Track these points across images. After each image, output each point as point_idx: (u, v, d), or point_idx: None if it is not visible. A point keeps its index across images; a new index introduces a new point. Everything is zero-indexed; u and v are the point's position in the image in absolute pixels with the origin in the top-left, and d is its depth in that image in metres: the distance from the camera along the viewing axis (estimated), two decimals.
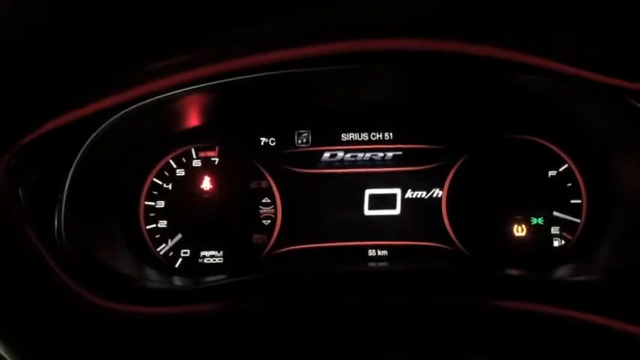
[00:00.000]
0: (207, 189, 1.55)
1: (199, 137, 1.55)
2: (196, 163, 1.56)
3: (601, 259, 1.42)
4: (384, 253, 1.54)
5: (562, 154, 1.52)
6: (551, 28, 1.17)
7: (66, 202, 1.23)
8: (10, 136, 1.16)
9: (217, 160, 1.56)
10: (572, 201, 1.52)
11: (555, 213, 1.52)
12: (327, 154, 1.56)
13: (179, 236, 1.54)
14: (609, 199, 1.45)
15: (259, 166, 1.55)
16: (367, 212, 1.55)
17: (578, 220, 1.52)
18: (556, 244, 1.52)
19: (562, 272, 1.44)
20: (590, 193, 1.51)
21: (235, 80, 1.21)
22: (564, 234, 1.52)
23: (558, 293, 1.28)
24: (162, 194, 1.55)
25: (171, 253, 1.54)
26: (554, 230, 1.52)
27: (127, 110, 1.21)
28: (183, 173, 1.55)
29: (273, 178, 1.55)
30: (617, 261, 1.37)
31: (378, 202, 1.55)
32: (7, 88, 1.08)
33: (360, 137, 1.57)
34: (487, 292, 1.30)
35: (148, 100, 1.21)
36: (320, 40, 1.17)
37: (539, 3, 1.12)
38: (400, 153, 1.56)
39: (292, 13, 1.14)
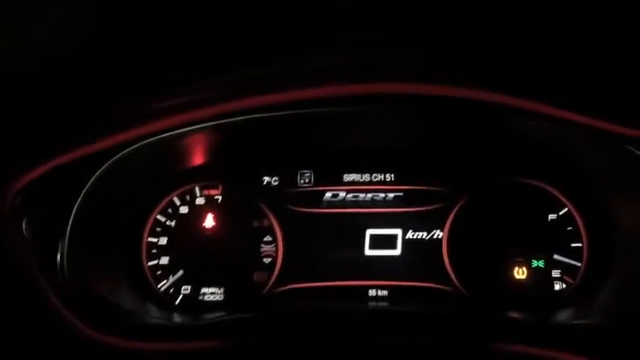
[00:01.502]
0: (210, 227, 1.56)
1: (203, 175, 1.57)
2: (200, 201, 1.58)
3: (602, 303, 1.41)
4: (385, 293, 1.54)
5: (562, 198, 1.53)
6: (551, 75, 1.20)
7: (69, 237, 1.25)
8: (15, 173, 1.18)
9: (220, 198, 1.58)
10: (573, 244, 1.52)
11: (556, 256, 1.52)
12: (329, 194, 1.58)
13: (180, 273, 1.55)
14: (610, 243, 1.45)
15: (262, 204, 1.56)
16: (368, 252, 1.55)
17: (579, 264, 1.51)
18: (557, 287, 1.51)
19: (563, 316, 1.42)
20: (591, 237, 1.51)
21: (239, 120, 1.24)
22: (565, 277, 1.51)
23: (559, 337, 1.27)
24: (165, 231, 1.56)
25: (172, 290, 1.54)
26: (555, 273, 1.52)
27: (131, 148, 1.24)
28: (186, 211, 1.57)
29: (275, 217, 1.56)
30: (619, 305, 1.36)
31: (378, 242, 1.55)
32: (13, 125, 1.11)
33: (361, 178, 1.59)
34: (487, 335, 1.30)
35: (153, 139, 1.24)
36: (322, 83, 1.20)
37: (539, 49, 1.15)
38: (401, 194, 1.57)
39: (296, 56, 1.17)
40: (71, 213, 1.25)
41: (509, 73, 1.21)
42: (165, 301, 1.53)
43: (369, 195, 1.58)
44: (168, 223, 1.56)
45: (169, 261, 1.55)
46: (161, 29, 0.99)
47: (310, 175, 1.59)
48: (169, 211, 1.57)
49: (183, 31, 1.03)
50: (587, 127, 1.19)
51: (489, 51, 1.17)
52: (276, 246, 1.56)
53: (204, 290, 1.55)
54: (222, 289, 1.55)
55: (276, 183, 1.58)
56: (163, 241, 1.56)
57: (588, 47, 1.12)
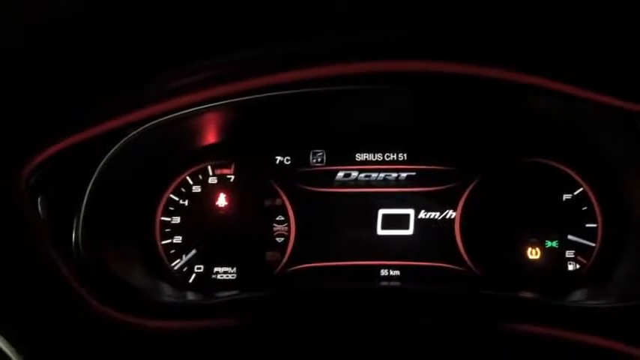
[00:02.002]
0: (223, 206, 1.56)
1: (216, 154, 1.57)
2: (212, 180, 1.58)
3: (616, 283, 1.40)
4: (397, 272, 1.54)
5: (577, 178, 1.52)
6: (563, 51, 1.18)
7: (84, 216, 1.26)
8: (30, 151, 1.19)
9: (233, 177, 1.58)
10: (587, 225, 1.51)
11: (570, 237, 1.51)
12: (341, 174, 1.57)
13: (193, 252, 1.55)
14: (625, 224, 1.44)
15: (274, 184, 1.56)
16: (380, 232, 1.55)
17: (593, 245, 1.50)
18: (571, 267, 1.51)
19: (576, 296, 1.42)
20: (606, 217, 1.50)
21: (252, 99, 1.23)
22: (579, 258, 1.51)
23: (572, 317, 1.27)
24: (178, 210, 1.57)
25: (185, 269, 1.55)
26: (569, 254, 1.51)
27: (145, 127, 1.24)
28: (199, 190, 1.57)
29: (287, 197, 1.56)
30: (633, 286, 1.35)
31: (391, 222, 1.55)
32: (28, 104, 1.11)
33: (374, 157, 1.58)
34: (500, 315, 1.30)
35: (167, 117, 1.24)
36: (335, 61, 1.18)
37: (552, 27, 1.13)
38: (414, 174, 1.56)
39: (309, 34, 1.16)
40: (85, 191, 1.26)
41: (524, 50, 1.19)
42: (178, 279, 1.54)
43: (382, 174, 1.57)
44: (181, 202, 1.57)
45: (182, 240, 1.56)
46: (174, 7, 0.98)
47: (323, 155, 1.58)
48: (182, 190, 1.57)
49: (195, 9, 1.02)
50: (602, 104, 1.18)
51: (503, 28, 1.15)
52: (289, 225, 1.56)
53: (217, 269, 1.55)
54: (234, 268, 1.55)
55: (289, 162, 1.58)
56: (176, 220, 1.56)
57: (603, 25, 1.10)
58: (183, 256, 1.56)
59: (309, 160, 1.58)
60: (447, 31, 1.18)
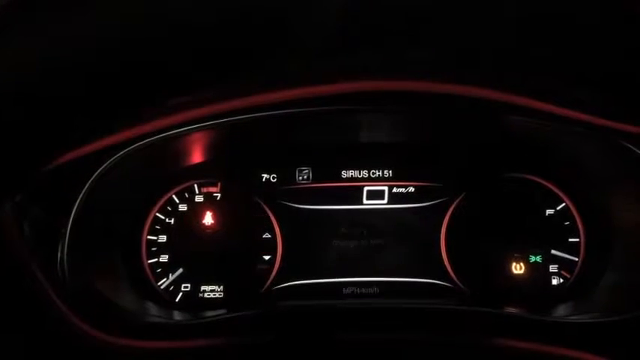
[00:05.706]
0: (209, 224, 1.56)
1: (202, 173, 1.57)
2: (198, 198, 1.58)
3: (599, 298, 1.42)
4: (384, 289, 1.54)
5: (559, 193, 1.54)
6: (549, 71, 1.20)
7: (69, 236, 1.25)
8: (15, 172, 1.18)
9: (219, 195, 1.58)
10: (570, 239, 1.53)
11: (553, 251, 1.53)
12: (327, 191, 1.58)
13: (180, 270, 1.55)
14: (607, 238, 1.46)
15: (260, 201, 1.57)
16: (366, 248, 1.56)
17: (577, 259, 1.52)
18: (554, 282, 1.53)
19: (561, 311, 1.43)
20: (588, 231, 1.52)
21: (238, 119, 1.23)
22: (563, 272, 1.52)
23: (557, 332, 1.28)
24: (165, 229, 1.56)
25: (171, 288, 1.55)
26: (553, 268, 1.53)
27: (131, 148, 1.24)
28: (185, 208, 1.57)
29: (273, 214, 1.56)
30: (616, 300, 1.37)
31: (377, 238, 1.56)
32: (13, 126, 1.10)
33: (359, 174, 1.59)
34: (486, 330, 1.30)
35: (153, 138, 1.24)
36: (322, 81, 1.19)
37: (538, 46, 1.14)
38: (399, 190, 1.58)
39: (295, 55, 1.17)
40: (71, 211, 1.25)
41: (509, 70, 1.21)
42: (165, 299, 1.53)
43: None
44: (167, 220, 1.56)
45: (169, 259, 1.55)
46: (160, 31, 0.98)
47: (308, 172, 1.59)
48: (168, 208, 1.57)
49: (184, 32, 1.02)
50: (585, 123, 1.20)
51: (489, 49, 1.16)
52: (275, 243, 1.56)
53: (204, 288, 1.55)
54: (221, 287, 1.55)
55: (275, 180, 1.58)
56: (163, 238, 1.56)
57: (586, 44, 1.12)
58: (170, 274, 1.55)
59: (295, 178, 1.58)
60: (431, 50, 1.19)
